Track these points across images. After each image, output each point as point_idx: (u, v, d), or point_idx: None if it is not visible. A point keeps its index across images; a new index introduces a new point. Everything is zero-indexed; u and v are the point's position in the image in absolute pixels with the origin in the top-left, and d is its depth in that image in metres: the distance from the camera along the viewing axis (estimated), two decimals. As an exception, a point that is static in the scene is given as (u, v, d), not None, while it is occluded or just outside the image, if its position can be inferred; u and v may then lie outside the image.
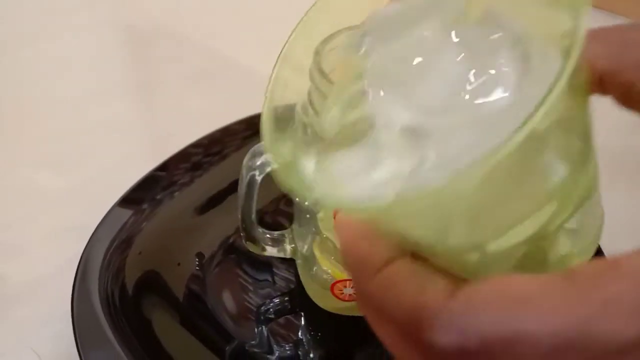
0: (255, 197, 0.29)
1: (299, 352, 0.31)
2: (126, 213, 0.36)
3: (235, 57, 0.55)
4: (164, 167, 0.39)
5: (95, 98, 0.50)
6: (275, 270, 0.35)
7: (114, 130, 0.47)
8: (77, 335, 0.29)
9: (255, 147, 0.28)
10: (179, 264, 0.34)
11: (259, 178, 0.29)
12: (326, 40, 0.26)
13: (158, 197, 0.37)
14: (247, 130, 0.43)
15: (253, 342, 0.31)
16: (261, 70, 0.54)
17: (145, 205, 0.37)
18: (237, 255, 0.35)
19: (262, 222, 0.38)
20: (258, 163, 0.28)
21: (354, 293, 0.15)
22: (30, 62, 0.55)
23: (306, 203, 0.29)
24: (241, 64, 0.55)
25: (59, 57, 0.55)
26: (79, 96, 0.50)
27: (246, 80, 0.53)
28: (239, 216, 0.30)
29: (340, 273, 0.30)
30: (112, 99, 0.50)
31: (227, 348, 0.31)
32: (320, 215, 0.28)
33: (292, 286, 0.34)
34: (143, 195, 0.37)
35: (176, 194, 0.38)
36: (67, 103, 0.50)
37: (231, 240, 0.36)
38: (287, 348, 0.31)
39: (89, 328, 0.30)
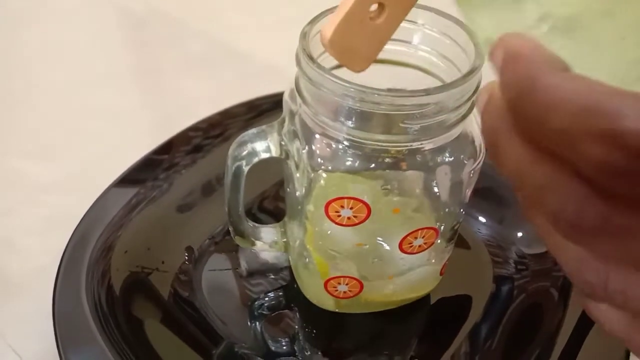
0: (242, 189, 0.27)
1: (293, 350, 0.30)
2: (116, 200, 0.34)
3: (232, 42, 0.54)
4: (163, 149, 0.37)
5: (87, 83, 0.49)
6: (269, 265, 0.33)
7: (106, 117, 0.45)
8: (57, 334, 0.28)
9: (241, 136, 0.27)
10: (162, 262, 0.32)
11: (245, 169, 0.27)
12: (313, 21, 0.24)
13: (155, 179, 0.36)
14: (249, 113, 0.41)
15: (245, 341, 0.30)
16: (258, 55, 0.52)
17: (140, 191, 0.35)
18: (230, 247, 0.34)
19: (261, 207, 0.36)
20: (244, 153, 0.27)
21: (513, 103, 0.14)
22: (19, 46, 0.53)
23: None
24: (238, 49, 0.53)
25: (49, 40, 0.54)
26: (70, 81, 0.49)
27: (243, 66, 0.51)
28: (226, 209, 0.28)
29: (334, 270, 0.28)
30: (104, 85, 0.49)
31: (216, 348, 0.29)
32: (309, 207, 0.27)
33: (286, 281, 0.32)
34: (137, 179, 0.36)
35: (175, 176, 0.37)
36: (57, 89, 0.48)
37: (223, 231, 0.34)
38: (279, 346, 0.30)
39: (71, 326, 0.28)
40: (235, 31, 0.55)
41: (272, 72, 0.49)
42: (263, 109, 0.41)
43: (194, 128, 0.40)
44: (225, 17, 0.57)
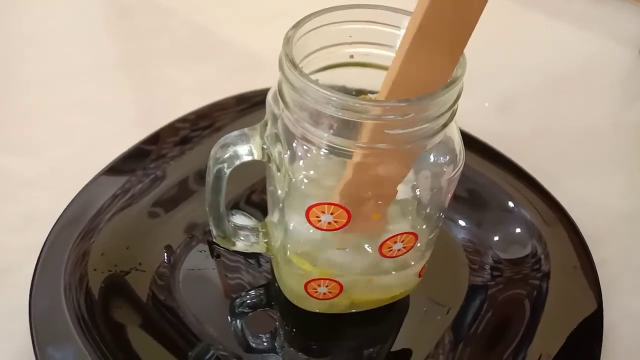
0: (223, 191, 0.27)
1: (274, 350, 0.30)
2: (97, 196, 0.34)
3: (221, 33, 0.53)
4: (149, 141, 0.37)
5: (70, 75, 0.48)
6: (250, 263, 0.33)
7: (89, 110, 0.45)
8: (33, 332, 0.27)
9: (223, 138, 0.26)
10: (140, 264, 0.32)
11: (227, 171, 0.27)
12: (297, 25, 0.24)
13: (143, 169, 0.36)
14: (238, 105, 0.41)
15: (224, 341, 0.30)
16: (247, 47, 0.52)
17: (124, 184, 0.35)
18: (210, 246, 0.34)
19: (248, 202, 0.36)
20: (226, 155, 0.26)
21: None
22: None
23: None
24: (226, 41, 0.52)
25: (30, 30, 0.53)
26: (53, 73, 0.48)
27: (232, 58, 0.50)
28: (207, 209, 0.28)
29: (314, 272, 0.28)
30: (88, 76, 0.48)
31: (195, 348, 0.29)
32: (290, 211, 0.27)
33: (266, 282, 0.33)
34: (122, 170, 0.36)
35: (163, 167, 0.37)
36: (39, 80, 0.47)
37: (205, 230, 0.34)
38: (258, 347, 0.30)
39: (48, 324, 0.28)
40: (224, 22, 0.54)
41: (261, 65, 0.48)
42: (252, 103, 0.41)
43: (182, 120, 0.40)
44: (214, 8, 0.56)
